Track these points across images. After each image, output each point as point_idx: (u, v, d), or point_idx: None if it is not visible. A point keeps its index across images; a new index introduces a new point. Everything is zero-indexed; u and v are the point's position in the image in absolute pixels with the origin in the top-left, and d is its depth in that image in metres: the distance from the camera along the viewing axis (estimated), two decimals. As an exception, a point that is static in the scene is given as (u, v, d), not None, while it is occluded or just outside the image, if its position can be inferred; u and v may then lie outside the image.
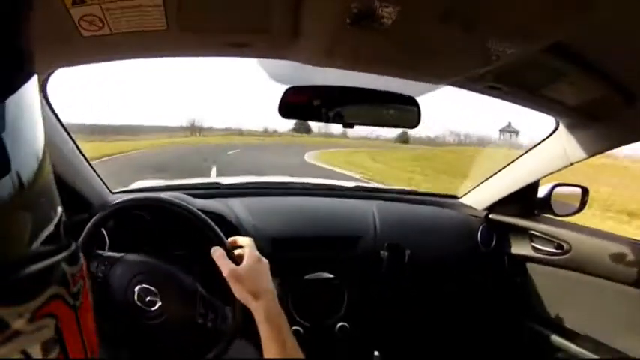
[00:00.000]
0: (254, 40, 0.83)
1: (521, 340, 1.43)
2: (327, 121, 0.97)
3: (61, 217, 0.28)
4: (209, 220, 0.83)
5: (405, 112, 0.95)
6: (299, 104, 0.96)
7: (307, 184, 1.49)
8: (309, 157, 15.47)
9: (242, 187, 1.37)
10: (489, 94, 0.98)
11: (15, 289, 0.21)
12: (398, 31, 0.73)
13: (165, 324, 0.80)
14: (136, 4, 0.64)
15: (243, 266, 0.70)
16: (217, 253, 0.71)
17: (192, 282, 0.83)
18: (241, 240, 0.77)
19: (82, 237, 0.81)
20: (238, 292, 0.68)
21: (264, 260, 0.74)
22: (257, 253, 0.74)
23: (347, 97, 0.96)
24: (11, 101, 0.24)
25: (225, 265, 0.69)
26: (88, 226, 0.82)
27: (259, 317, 0.66)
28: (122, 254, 0.83)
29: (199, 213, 0.83)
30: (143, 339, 0.82)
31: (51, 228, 0.26)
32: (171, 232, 1.00)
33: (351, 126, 0.97)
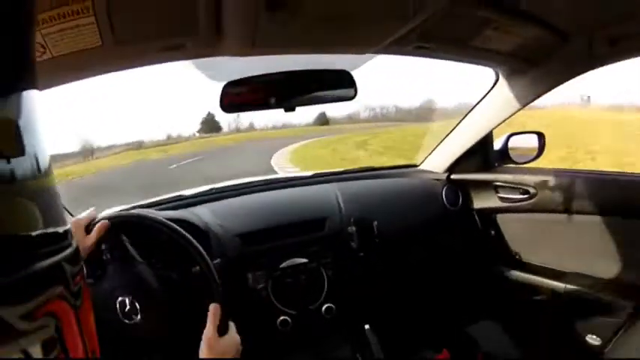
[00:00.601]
0: (185, 41, 0.84)
1: (505, 289, 1.47)
2: (270, 107, 0.98)
3: (63, 217, 0.28)
4: (175, 226, 0.84)
5: (341, 86, 0.96)
6: (239, 97, 0.97)
7: (268, 179, 1.50)
8: (281, 165, 10.20)
9: (205, 194, 1.37)
10: (420, 55, 1.00)
11: (15, 288, 0.21)
12: (314, 7, 0.74)
13: (145, 336, 0.82)
14: (73, 25, 0.66)
15: (223, 339, 0.76)
16: (213, 309, 0.77)
17: (170, 301, 0.85)
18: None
19: (124, 215, 0.87)
20: (203, 353, 0.73)
21: (240, 348, 0.79)
22: (239, 339, 0.79)
23: (284, 81, 0.98)
24: (25, 97, 0.25)
25: (210, 325, 0.75)
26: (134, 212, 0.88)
27: None
28: (134, 257, 0.86)
29: (167, 221, 0.85)
30: (126, 348, 0.83)
31: (54, 226, 0.26)
32: (148, 247, 0.99)
33: (293, 109, 0.97)
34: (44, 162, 0.26)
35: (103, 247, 0.86)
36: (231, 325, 0.80)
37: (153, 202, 1.34)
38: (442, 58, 1.07)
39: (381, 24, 0.83)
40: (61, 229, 0.27)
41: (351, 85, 0.96)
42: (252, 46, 0.87)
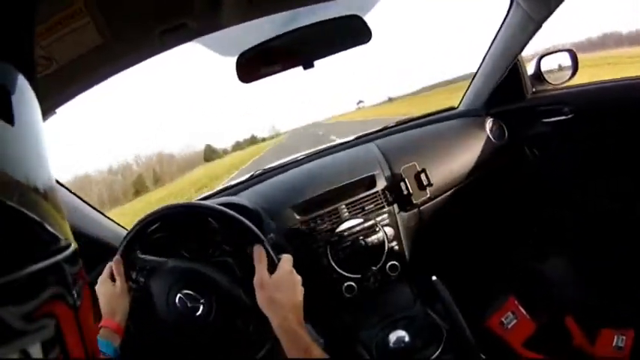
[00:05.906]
0: (185, 19, 0.81)
1: (572, 219, 1.36)
2: (288, 68, 0.99)
3: (63, 216, 0.28)
4: (224, 208, 0.86)
5: (354, 31, 0.94)
6: (255, 65, 0.98)
7: (309, 152, 1.47)
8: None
9: (249, 179, 1.39)
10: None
11: (15, 289, 0.21)
12: None
13: (208, 329, 0.81)
14: (70, 29, 0.66)
15: (272, 276, 0.73)
16: (257, 252, 0.75)
17: (233, 287, 0.84)
18: (283, 256, 0.79)
19: (124, 241, 0.85)
20: (259, 298, 0.71)
21: (297, 277, 0.75)
22: (290, 267, 0.75)
23: (297, 39, 0.95)
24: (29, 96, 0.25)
25: (258, 270, 0.73)
26: (132, 229, 0.86)
27: (274, 324, 0.68)
28: (163, 260, 0.85)
29: (215, 205, 0.87)
30: (188, 344, 0.83)
31: (53, 226, 0.26)
32: (209, 236, 0.97)
33: (312, 65, 0.97)
34: (44, 161, 0.26)
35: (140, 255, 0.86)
36: (284, 259, 0.77)
37: (204, 197, 1.38)
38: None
39: None
40: (60, 229, 0.27)
41: (365, 29, 0.94)
42: (251, 7, 0.85)
